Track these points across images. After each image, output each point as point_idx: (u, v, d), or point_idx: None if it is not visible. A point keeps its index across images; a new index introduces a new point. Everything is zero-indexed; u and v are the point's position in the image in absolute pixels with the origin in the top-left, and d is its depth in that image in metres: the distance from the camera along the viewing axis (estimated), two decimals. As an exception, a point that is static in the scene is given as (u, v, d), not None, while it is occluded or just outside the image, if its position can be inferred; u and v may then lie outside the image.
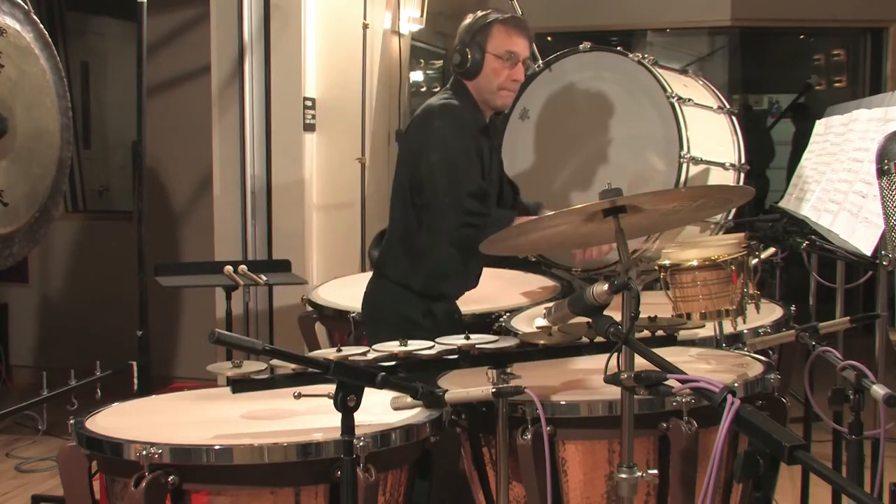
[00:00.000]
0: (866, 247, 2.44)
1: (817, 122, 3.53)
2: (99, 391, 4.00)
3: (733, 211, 3.21)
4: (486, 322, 3.05)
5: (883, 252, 2.37)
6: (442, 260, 2.85)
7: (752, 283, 2.41)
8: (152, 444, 1.89)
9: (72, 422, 2.08)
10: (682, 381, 1.62)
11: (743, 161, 3.31)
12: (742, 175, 3.30)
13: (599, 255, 2.84)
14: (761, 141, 8.07)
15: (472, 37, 2.82)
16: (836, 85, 8.00)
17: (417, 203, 2.83)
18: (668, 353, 1.77)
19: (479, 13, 2.87)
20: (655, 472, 1.97)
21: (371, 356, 2.08)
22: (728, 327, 2.61)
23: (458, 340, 2.15)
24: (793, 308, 3.08)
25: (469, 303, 3.21)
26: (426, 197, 2.80)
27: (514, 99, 3.35)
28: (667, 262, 2.42)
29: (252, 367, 2.01)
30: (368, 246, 3.04)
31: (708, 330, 2.60)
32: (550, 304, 2.08)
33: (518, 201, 3.11)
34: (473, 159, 2.79)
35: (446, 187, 2.76)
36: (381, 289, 2.92)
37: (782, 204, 3.45)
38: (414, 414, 2.10)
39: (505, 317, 3.05)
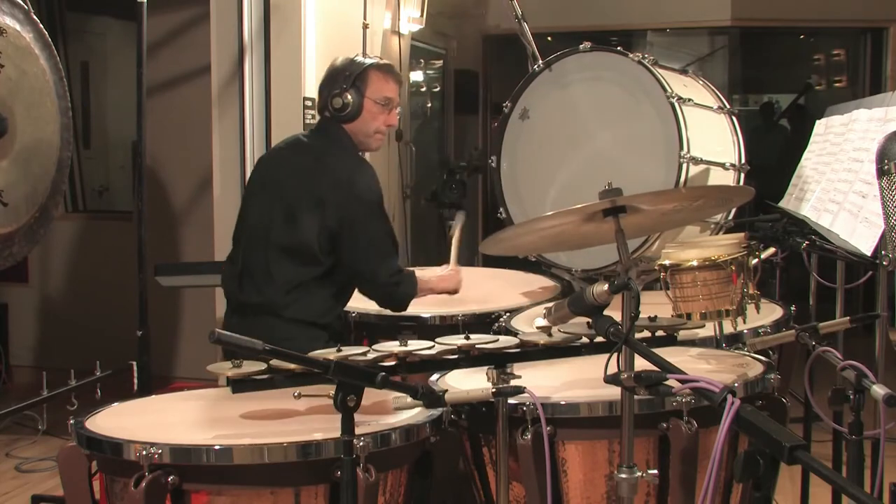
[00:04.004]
0: (866, 247, 2.44)
1: (817, 122, 3.53)
2: (99, 391, 4.00)
3: (733, 211, 3.21)
4: (486, 322, 3.05)
5: (883, 252, 2.37)
6: (338, 302, 2.97)
7: (752, 283, 2.41)
8: (152, 444, 1.89)
9: (72, 422, 2.08)
10: (682, 381, 1.62)
11: (743, 161, 3.31)
12: (742, 175, 3.30)
13: None
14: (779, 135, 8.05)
15: (352, 82, 2.89)
16: (836, 85, 8.00)
17: (324, 249, 2.84)
18: (668, 353, 1.77)
19: (353, 57, 2.96)
20: (655, 472, 1.97)
21: (371, 356, 2.08)
22: (728, 327, 2.61)
23: (458, 340, 2.15)
24: (793, 308, 3.08)
25: (469, 303, 3.21)
26: (358, 259, 2.86)
27: (514, 99, 3.37)
28: (667, 262, 2.42)
29: (252, 367, 2.01)
30: (229, 284, 3.01)
31: (708, 330, 2.61)
32: (550, 304, 2.08)
33: None
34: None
35: (385, 254, 2.88)
36: (295, 332, 2.84)
37: (782, 204, 3.45)
38: (414, 414, 2.10)
39: (505, 317, 3.05)
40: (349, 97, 2.89)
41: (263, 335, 2.81)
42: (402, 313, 3.03)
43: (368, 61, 2.94)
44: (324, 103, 2.94)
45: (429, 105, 7.03)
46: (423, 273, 3.11)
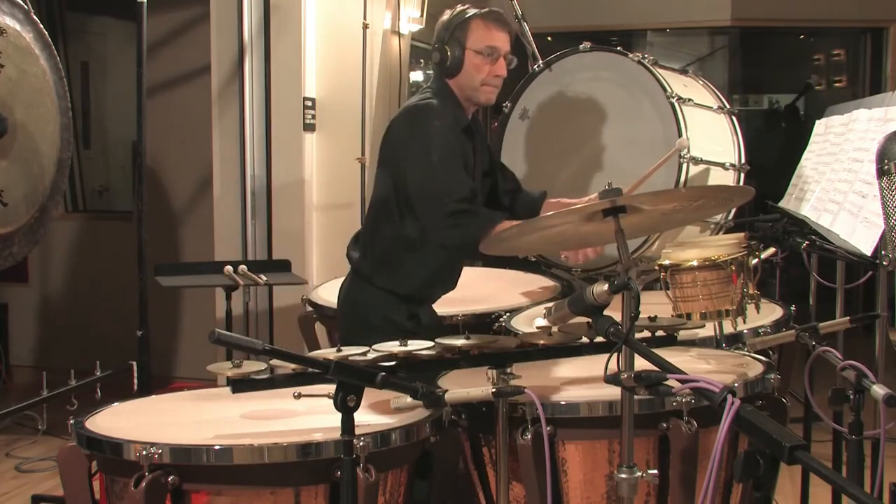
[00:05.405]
0: (866, 247, 2.44)
1: (817, 122, 3.53)
2: (99, 391, 4.00)
3: (733, 211, 3.21)
4: (486, 322, 3.05)
5: (883, 252, 2.37)
6: (429, 266, 2.82)
7: (752, 283, 2.41)
8: (152, 444, 1.89)
9: (72, 422, 2.09)
10: (682, 381, 1.62)
11: (743, 161, 3.31)
12: (742, 175, 3.30)
13: (590, 256, 2.74)
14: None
15: (451, 33, 2.76)
16: (836, 85, 7.99)
17: (402, 207, 2.76)
18: (668, 353, 1.77)
19: (458, 9, 2.81)
20: (655, 472, 1.97)
21: (371, 356, 2.08)
22: (728, 327, 2.61)
23: (458, 340, 2.16)
24: (793, 308, 3.08)
25: (469, 303, 3.21)
26: (413, 201, 2.72)
27: (514, 99, 3.37)
28: (667, 262, 2.42)
29: (252, 367, 2.01)
30: (347, 246, 3.00)
31: (708, 330, 2.60)
32: (550, 304, 2.08)
33: (521, 194, 3.08)
34: (459, 161, 2.72)
35: (433, 193, 2.66)
36: (365, 294, 2.87)
37: (782, 204, 3.45)
38: (414, 414, 2.10)
39: (505, 317, 3.05)
40: (448, 50, 2.75)
41: (357, 299, 2.89)
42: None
43: (471, 12, 2.78)
44: (432, 60, 2.83)
45: (429, 105, 7.01)
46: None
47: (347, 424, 1.81)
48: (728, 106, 3.40)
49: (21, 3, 3.48)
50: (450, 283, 2.97)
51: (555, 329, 2.20)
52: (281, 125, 4.68)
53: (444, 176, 2.67)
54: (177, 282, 3.92)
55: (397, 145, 2.79)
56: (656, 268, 2.48)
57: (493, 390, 2.01)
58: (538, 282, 3.61)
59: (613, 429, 1.97)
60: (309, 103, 4.75)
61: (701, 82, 3.45)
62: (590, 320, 1.94)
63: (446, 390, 2.08)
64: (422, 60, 6.72)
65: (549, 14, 6.27)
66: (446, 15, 2.82)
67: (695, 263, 2.38)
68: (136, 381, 4.03)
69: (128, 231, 4.55)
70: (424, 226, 2.71)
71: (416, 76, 6.70)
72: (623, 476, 1.90)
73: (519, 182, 3.14)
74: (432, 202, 2.66)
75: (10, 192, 3.39)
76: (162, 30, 5.57)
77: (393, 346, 2.14)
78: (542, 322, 2.12)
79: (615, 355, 1.83)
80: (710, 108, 3.29)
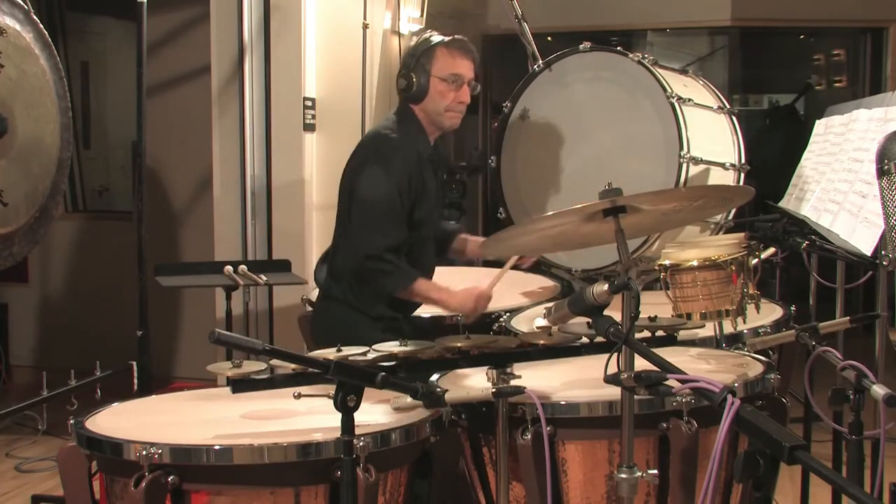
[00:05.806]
0: (866, 247, 2.44)
1: (817, 122, 3.53)
2: (99, 391, 4.00)
3: (733, 211, 3.21)
4: (486, 322, 3.04)
5: (883, 252, 2.37)
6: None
7: (752, 283, 2.41)
8: (152, 444, 1.89)
9: (72, 422, 2.09)
10: (682, 381, 1.62)
11: (743, 161, 3.31)
12: (742, 175, 3.30)
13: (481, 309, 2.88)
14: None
15: (417, 60, 2.83)
16: (836, 85, 7.99)
17: None
18: (668, 353, 1.77)
19: (423, 36, 2.89)
20: (655, 472, 1.97)
21: (371, 356, 2.08)
22: (728, 327, 2.61)
23: (458, 340, 2.16)
24: (793, 308, 3.08)
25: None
26: (351, 228, 2.85)
27: (514, 99, 3.37)
28: (667, 262, 2.43)
29: (252, 367, 2.01)
30: (314, 268, 3.06)
31: (708, 330, 2.61)
32: (550, 304, 2.08)
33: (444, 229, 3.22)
34: (403, 211, 2.80)
35: (366, 234, 2.79)
36: (341, 314, 2.90)
37: (782, 204, 3.45)
38: (414, 414, 2.10)
39: (505, 317, 3.05)
40: (414, 77, 2.83)
41: (331, 322, 2.92)
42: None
43: (436, 39, 2.86)
44: (398, 86, 2.90)
45: (429, 105, 7.02)
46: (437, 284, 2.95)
47: (347, 424, 1.81)
48: (728, 106, 3.40)
49: (21, 3, 3.48)
50: (415, 303, 3.00)
51: (555, 329, 2.20)
52: (281, 125, 4.69)
53: (381, 223, 2.78)
54: (177, 282, 3.92)
55: (356, 171, 2.87)
56: (656, 268, 2.48)
57: (493, 390, 2.01)
58: (538, 282, 3.61)
59: (613, 429, 1.98)
60: (309, 103, 4.75)
61: (701, 82, 3.45)
62: (590, 320, 1.94)
63: (446, 390, 2.08)
64: (422, 60, 6.71)
65: (549, 14, 6.26)
66: (412, 41, 2.92)
67: (695, 263, 2.38)
68: (136, 381, 4.03)
69: (128, 231, 4.55)
70: (353, 253, 2.83)
71: (416, 76, 6.70)
72: (623, 476, 1.90)
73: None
74: (362, 242, 2.79)
75: (10, 192, 3.39)
76: (162, 30, 5.57)
77: (393, 346, 2.14)
78: (542, 322, 2.13)
79: (615, 355, 1.83)
80: (710, 108, 3.29)
